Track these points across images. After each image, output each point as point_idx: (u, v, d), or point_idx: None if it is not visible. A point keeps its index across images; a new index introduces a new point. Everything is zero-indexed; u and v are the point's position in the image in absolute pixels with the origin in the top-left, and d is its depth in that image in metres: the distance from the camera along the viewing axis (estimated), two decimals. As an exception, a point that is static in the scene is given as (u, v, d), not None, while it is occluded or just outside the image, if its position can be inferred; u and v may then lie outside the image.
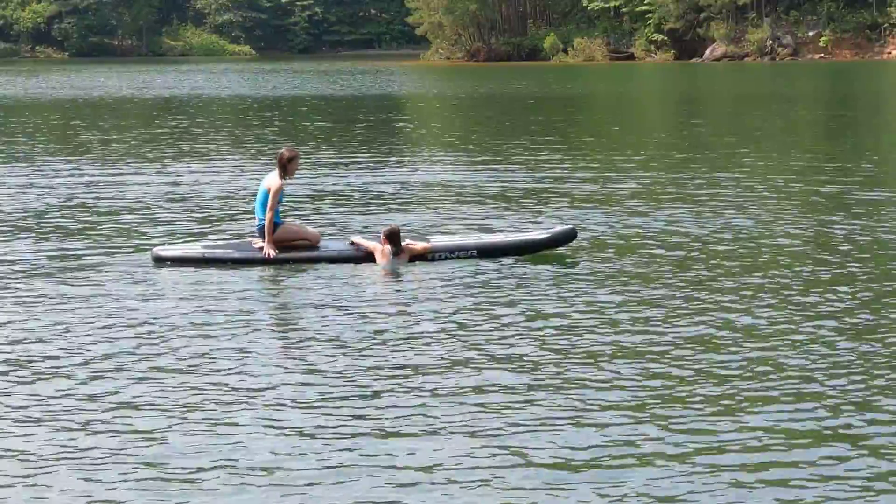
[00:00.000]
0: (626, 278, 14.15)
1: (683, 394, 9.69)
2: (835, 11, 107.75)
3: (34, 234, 17.90)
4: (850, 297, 13.01)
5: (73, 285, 13.96)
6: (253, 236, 15.67)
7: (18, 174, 25.98)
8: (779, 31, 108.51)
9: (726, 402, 9.46)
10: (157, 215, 19.70)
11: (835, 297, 12.98)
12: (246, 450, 8.46)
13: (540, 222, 18.13)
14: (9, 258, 15.87)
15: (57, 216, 19.75)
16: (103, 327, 11.89)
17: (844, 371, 10.21)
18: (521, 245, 15.49)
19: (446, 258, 15.06)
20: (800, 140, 33.60)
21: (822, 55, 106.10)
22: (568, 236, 15.69)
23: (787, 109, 46.22)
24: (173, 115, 46.57)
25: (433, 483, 7.86)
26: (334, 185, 23.53)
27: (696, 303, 12.83)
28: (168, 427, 8.92)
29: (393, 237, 15.01)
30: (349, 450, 8.43)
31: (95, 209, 20.44)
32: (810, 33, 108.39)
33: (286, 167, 15.32)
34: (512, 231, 16.75)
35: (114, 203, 21.23)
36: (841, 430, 8.80)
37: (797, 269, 14.66)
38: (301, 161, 16.59)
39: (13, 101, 57.67)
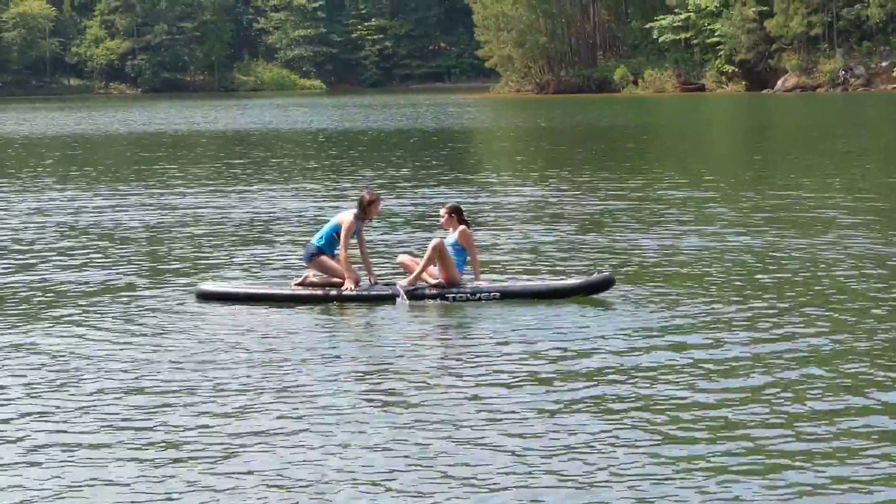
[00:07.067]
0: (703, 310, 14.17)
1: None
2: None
3: (89, 261, 18.51)
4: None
5: (117, 316, 14.15)
6: (302, 268, 15.61)
7: (94, 201, 26.57)
8: (851, 61, 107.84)
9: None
10: (205, 249, 19.83)
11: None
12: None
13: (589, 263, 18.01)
14: (63, 283, 16.40)
15: (105, 244, 20.26)
16: (144, 362, 11.88)
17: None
18: (550, 291, 14.74)
19: (467, 300, 14.59)
20: (868, 167, 33.43)
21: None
22: (604, 284, 14.71)
23: (857, 137, 46.07)
24: (251, 149, 47.07)
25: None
26: (410, 209, 23.82)
27: (772, 328, 12.84)
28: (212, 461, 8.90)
29: (457, 211, 15.19)
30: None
31: (142, 240, 20.92)
32: (883, 63, 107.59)
33: (366, 209, 15.32)
34: (543, 277, 15.93)
35: (162, 234, 21.63)
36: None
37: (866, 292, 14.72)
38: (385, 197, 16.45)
39: (90, 135, 58.61)
